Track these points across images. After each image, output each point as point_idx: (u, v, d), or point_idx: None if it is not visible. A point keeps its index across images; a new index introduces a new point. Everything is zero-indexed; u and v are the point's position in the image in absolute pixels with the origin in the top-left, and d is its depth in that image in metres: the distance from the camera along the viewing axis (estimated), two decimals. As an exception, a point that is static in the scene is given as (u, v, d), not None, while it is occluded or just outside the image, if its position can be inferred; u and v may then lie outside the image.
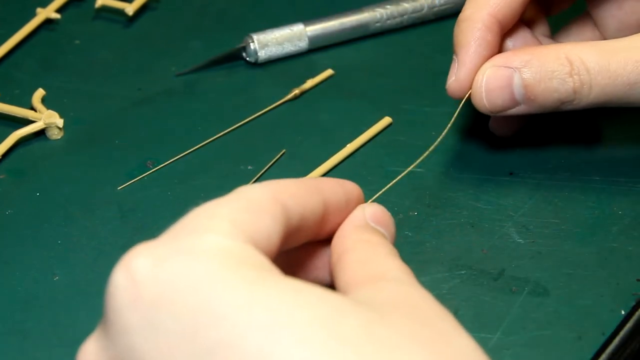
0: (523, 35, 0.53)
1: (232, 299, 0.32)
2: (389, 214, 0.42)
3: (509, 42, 0.53)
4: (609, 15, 0.56)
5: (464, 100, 0.51)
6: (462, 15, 0.51)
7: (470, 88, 0.51)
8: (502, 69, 0.50)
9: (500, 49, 0.52)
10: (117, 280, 0.34)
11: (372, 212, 0.41)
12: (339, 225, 0.41)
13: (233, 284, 0.33)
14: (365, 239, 0.39)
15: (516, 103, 0.50)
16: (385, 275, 0.37)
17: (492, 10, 0.50)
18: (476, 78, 0.51)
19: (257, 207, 0.36)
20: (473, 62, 0.51)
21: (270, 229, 0.36)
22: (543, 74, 0.49)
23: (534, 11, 0.56)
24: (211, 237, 0.34)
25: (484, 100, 0.50)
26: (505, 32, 0.52)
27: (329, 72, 0.63)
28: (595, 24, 0.57)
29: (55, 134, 0.59)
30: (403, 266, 0.38)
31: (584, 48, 0.49)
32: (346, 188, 0.40)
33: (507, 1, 0.50)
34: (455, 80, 0.51)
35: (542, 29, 0.56)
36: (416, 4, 0.66)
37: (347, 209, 0.41)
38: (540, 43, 0.54)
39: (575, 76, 0.49)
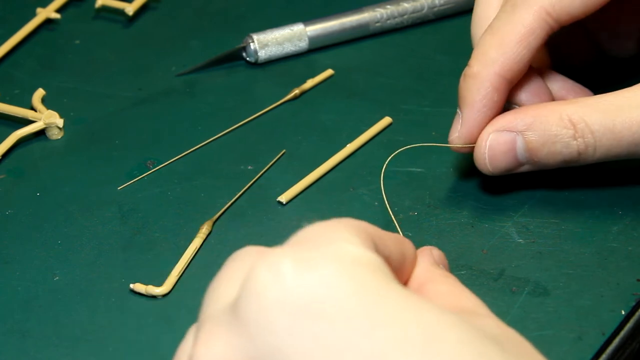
0: (534, 85, 0.52)
1: (386, 311, 0.33)
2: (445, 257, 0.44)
3: (520, 94, 0.52)
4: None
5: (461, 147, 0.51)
6: (468, 71, 0.50)
7: (473, 142, 0.51)
8: (505, 134, 0.50)
9: (508, 97, 0.52)
10: (264, 279, 0.33)
11: (438, 254, 0.43)
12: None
13: (384, 295, 0.33)
14: (444, 274, 0.41)
15: (520, 164, 0.50)
16: (476, 310, 0.38)
17: (500, 70, 0.49)
18: (479, 142, 0.50)
19: (365, 232, 0.37)
20: (477, 122, 0.50)
21: (383, 252, 0.37)
22: (546, 138, 0.49)
23: (545, 60, 0.56)
24: (351, 247, 0.35)
25: (488, 165, 0.50)
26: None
27: (329, 72, 0.63)
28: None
29: (55, 134, 0.59)
30: (483, 303, 0.39)
31: (587, 109, 0.48)
32: (405, 245, 0.41)
33: (516, 60, 0.49)
34: (459, 137, 0.51)
35: (553, 77, 0.56)
36: (416, 4, 0.66)
37: (406, 264, 0.41)
38: (550, 92, 0.53)
39: (579, 139, 0.49)
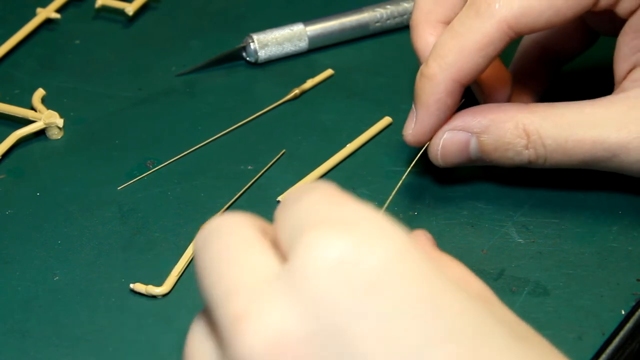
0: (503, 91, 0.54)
1: (443, 296, 0.33)
2: None
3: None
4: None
5: (422, 150, 0.52)
6: (425, 70, 0.50)
7: (427, 142, 0.51)
8: (459, 133, 0.50)
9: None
10: (326, 257, 0.33)
11: (430, 238, 0.43)
12: None
13: (438, 278, 0.33)
14: (451, 258, 0.40)
15: (471, 161, 0.51)
16: (487, 297, 0.38)
17: (456, 76, 0.49)
18: (433, 141, 0.51)
19: None
20: (430, 123, 0.51)
21: None
22: (500, 144, 0.50)
23: (533, 67, 0.56)
24: (394, 227, 0.34)
25: (439, 159, 0.51)
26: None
27: (329, 72, 0.63)
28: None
29: (55, 134, 0.59)
30: (491, 290, 0.39)
31: (542, 120, 0.49)
32: None
33: (473, 67, 0.49)
34: (412, 135, 0.51)
35: (537, 86, 0.56)
36: (416, 4, 0.66)
37: None
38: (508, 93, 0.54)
39: (531, 149, 0.49)
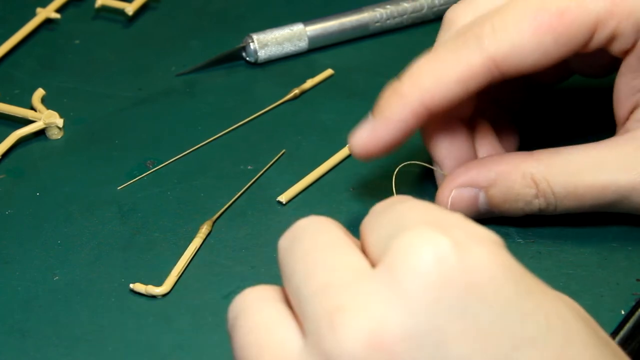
0: (489, 141, 0.52)
1: (533, 297, 0.34)
2: None
3: (476, 147, 0.52)
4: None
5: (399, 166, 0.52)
6: (398, 87, 0.48)
7: (372, 156, 0.49)
8: (466, 190, 0.50)
9: (457, 141, 0.51)
10: (425, 256, 0.33)
11: None
12: None
13: (528, 278, 0.34)
14: None
15: (481, 215, 0.50)
16: None
17: (427, 101, 0.47)
18: (440, 198, 0.50)
19: None
20: (386, 138, 0.48)
21: None
22: (509, 196, 0.49)
23: (508, 86, 0.54)
24: (486, 230, 0.35)
25: None
26: (464, 126, 0.51)
27: (329, 72, 0.63)
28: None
29: (55, 134, 0.59)
30: None
31: (549, 168, 0.48)
32: None
33: (447, 97, 0.47)
34: (363, 145, 0.49)
35: (506, 132, 0.55)
36: (416, 4, 0.66)
37: None
38: (503, 150, 0.53)
39: (541, 198, 0.49)
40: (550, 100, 0.58)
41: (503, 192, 0.49)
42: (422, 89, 0.47)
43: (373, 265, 0.35)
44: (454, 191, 0.50)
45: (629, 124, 0.49)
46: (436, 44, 0.50)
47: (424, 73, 0.48)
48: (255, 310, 0.36)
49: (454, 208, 0.50)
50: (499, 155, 0.51)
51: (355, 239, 0.37)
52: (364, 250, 0.36)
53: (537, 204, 0.49)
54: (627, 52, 0.48)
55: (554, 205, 0.49)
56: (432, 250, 0.33)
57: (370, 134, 0.49)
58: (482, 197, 0.50)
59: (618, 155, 0.48)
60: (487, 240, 0.34)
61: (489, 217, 0.51)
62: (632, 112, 0.49)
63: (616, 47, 0.48)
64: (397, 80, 0.48)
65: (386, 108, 0.48)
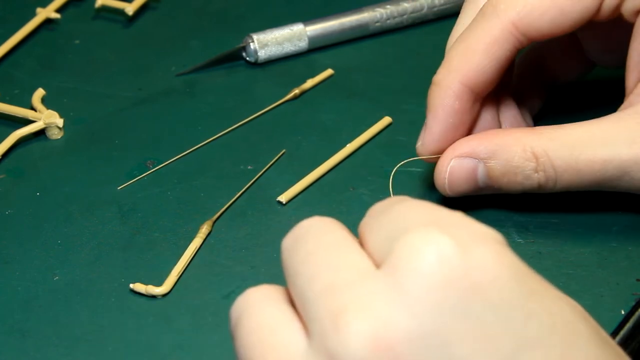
0: (510, 111, 0.53)
1: (536, 297, 0.33)
2: None
3: (490, 115, 0.52)
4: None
5: (396, 168, 0.52)
6: (434, 78, 0.50)
7: (437, 152, 0.50)
8: (466, 160, 0.49)
9: (481, 116, 0.51)
10: (429, 257, 0.33)
11: None
12: None
13: (531, 278, 0.34)
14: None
15: (479, 189, 0.50)
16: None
17: (461, 78, 0.49)
18: (440, 166, 0.50)
19: None
20: (439, 130, 0.50)
21: None
22: (508, 168, 0.49)
23: (529, 86, 0.55)
24: (490, 230, 0.35)
25: (447, 189, 0.50)
26: (489, 101, 0.51)
27: (329, 72, 0.63)
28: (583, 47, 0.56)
29: (55, 134, 0.59)
30: None
31: (550, 141, 0.48)
32: None
33: (479, 69, 0.48)
34: (422, 145, 0.50)
35: (532, 104, 0.55)
36: (416, 4, 0.66)
37: None
38: (525, 123, 0.53)
39: (540, 172, 0.48)
40: (568, 101, 0.58)
41: (502, 164, 0.49)
42: (455, 70, 0.49)
43: (376, 266, 0.35)
44: (453, 160, 0.50)
45: (633, 97, 0.49)
46: (458, 21, 0.52)
47: (453, 55, 0.49)
48: (259, 311, 0.36)
49: (452, 178, 0.50)
50: (500, 129, 0.51)
51: (357, 239, 0.37)
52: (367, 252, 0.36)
53: (537, 178, 0.48)
54: (638, 13, 0.48)
55: (553, 180, 0.48)
56: (436, 251, 0.33)
57: (427, 132, 0.50)
58: (481, 169, 0.49)
59: (620, 130, 0.48)
60: (490, 239, 0.34)
61: (488, 193, 0.50)
62: (638, 82, 0.49)
63: (627, 10, 0.48)
64: (435, 74, 0.50)
65: (430, 101, 0.50)
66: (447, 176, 0.50)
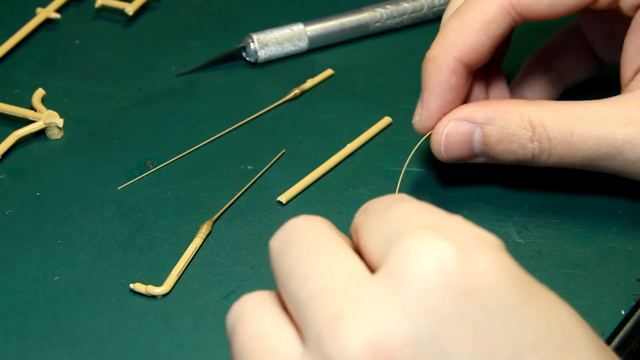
0: (499, 85, 0.53)
1: (534, 303, 0.33)
2: None
3: (480, 89, 0.52)
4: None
5: (423, 138, 0.51)
6: (428, 54, 0.50)
7: (433, 128, 0.50)
8: (463, 124, 0.50)
9: (471, 90, 0.51)
10: (428, 262, 0.33)
11: None
12: None
13: (529, 284, 0.34)
14: None
15: (475, 156, 0.50)
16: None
17: (457, 54, 0.49)
18: (437, 129, 0.50)
19: None
20: (435, 105, 0.50)
21: None
22: (504, 135, 0.49)
23: (537, 83, 0.56)
24: (478, 229, 0.34)
25: (442, 152, 0.50)
26: (479, 76, 0.52)
27: (329, 72, 0.63)
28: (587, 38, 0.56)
29: (55, 134, 0.59)
30: None
31: (548, 113, 0.48)
32: None
33: (475, 46, 0.49)
34: (419, 121, 0.51)
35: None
36: (416, 4, 0.66)
37: None
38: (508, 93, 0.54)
39: (535, 142, 0.49)
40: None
41: (499, 130, 0.49)
42: (449, 45, 0.49)
43: (371, 267, 0.35)
44: (450, 123, 0.50)
45: (633, 83, 0.50)
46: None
47: (449, 31, 0.49)
48: (253, 318, 0.36)
49: (449, 141, 0.50)
50: (498, 99, 0.51)
51: (347, 239, 0.37)
52: (359, 250, 0.36)
53: (531, 148, 0.49)
54: (637, 9, 0.48)
55: (547, 151, 0.49)
56: (434, 255, 0.33)
57: (424, 108, 0.50)
58: (477, 134, 0.50)
59: (617, 110, 0.48)
60: (489, 244, 0.34)
61: (484, 162, 0.51)
62: (637, 72, 0.50)
63: (626, 2, 0.48)
64: (428, 50, 0.50)
65: (426, 78, 0.50)
66: (443, 138, 0.50)
